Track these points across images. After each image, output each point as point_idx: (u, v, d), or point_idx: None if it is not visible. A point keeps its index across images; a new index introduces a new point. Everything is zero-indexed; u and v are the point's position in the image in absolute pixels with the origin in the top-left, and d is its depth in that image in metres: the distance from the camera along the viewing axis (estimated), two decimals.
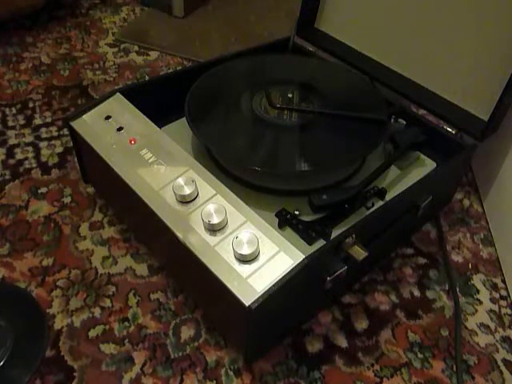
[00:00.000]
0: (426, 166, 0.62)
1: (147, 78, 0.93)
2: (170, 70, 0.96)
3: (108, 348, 0.54)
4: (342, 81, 0.67)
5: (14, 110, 0.84)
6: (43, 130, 0.81)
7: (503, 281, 0.63)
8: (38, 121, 0.82)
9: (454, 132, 0.64)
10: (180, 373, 0.52)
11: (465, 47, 0.63)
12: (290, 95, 0.62)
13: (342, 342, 0.56)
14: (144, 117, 0.60)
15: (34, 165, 0.74)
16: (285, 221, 0.53)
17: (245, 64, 0.69)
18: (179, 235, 0.48)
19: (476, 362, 0.55)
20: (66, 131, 0.80)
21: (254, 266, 0.45)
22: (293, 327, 0.56)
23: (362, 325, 0.58)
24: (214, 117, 0.60)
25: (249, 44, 0.77)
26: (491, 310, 0.60)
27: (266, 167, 0.53)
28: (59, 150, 0.77)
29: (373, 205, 0.56)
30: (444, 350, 0.56)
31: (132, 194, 0.52)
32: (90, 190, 0.70)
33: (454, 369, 0.54)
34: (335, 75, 0.68)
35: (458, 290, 0.62)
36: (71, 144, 0.64)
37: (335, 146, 0.57)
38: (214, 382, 0.52)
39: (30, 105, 0.85)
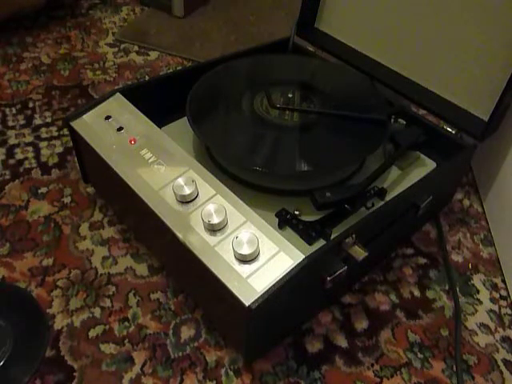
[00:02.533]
0: (426, 165, 0.62)
1: (147, 77, 0.93)
2: (170, 70, 0.96)
3: (108, 348, 0.54)
4: (343, 81, 0.67)
5: (14, 110, 0.84)
6: (43, 130, 0.80)
7: (503, 281, 0.63)
8: (37, 121, 0.82)
9: (453, 132, 0.64)
10: (180, 373, 0.52)
11: (465, 47, 0.63)
12: (290, 95, 0.62)
13: (342, 342, 0.56)
14: (144, 117, 0.60)
15: (34, 165, 0.74)
16: (285, 221, 0.53)
17: (245, 64, 0.69)
18: (179, 235, 0.48)
19: (476, 362, 0.55)
20: (66, 131, 0.80)
21: (254, 266, 0.45)
22: (293, 327, 0.56)
23: (361, 325, 0.58)
24: (215, 117, 0.60)
25: (249, 44, 0.77)
26: (491, 310, 0.60)
27: (266, 167, 0.53)
28: (59, 150, 0.77)
29: (373, 205, 0.55)
30: (444, 349, 0.56)
31: (132, 193, 0.52)
32: (90, 189, 0.70)
33: (454, 369, 0.54)
34: (335, 75, 0.68)
35: (457, 290, 0.62)
36: (71, 144, 0.64)
37: (336, 146, 0.57)
38: (214, 382, 0.52)
39: (30, 105, 0.85)
